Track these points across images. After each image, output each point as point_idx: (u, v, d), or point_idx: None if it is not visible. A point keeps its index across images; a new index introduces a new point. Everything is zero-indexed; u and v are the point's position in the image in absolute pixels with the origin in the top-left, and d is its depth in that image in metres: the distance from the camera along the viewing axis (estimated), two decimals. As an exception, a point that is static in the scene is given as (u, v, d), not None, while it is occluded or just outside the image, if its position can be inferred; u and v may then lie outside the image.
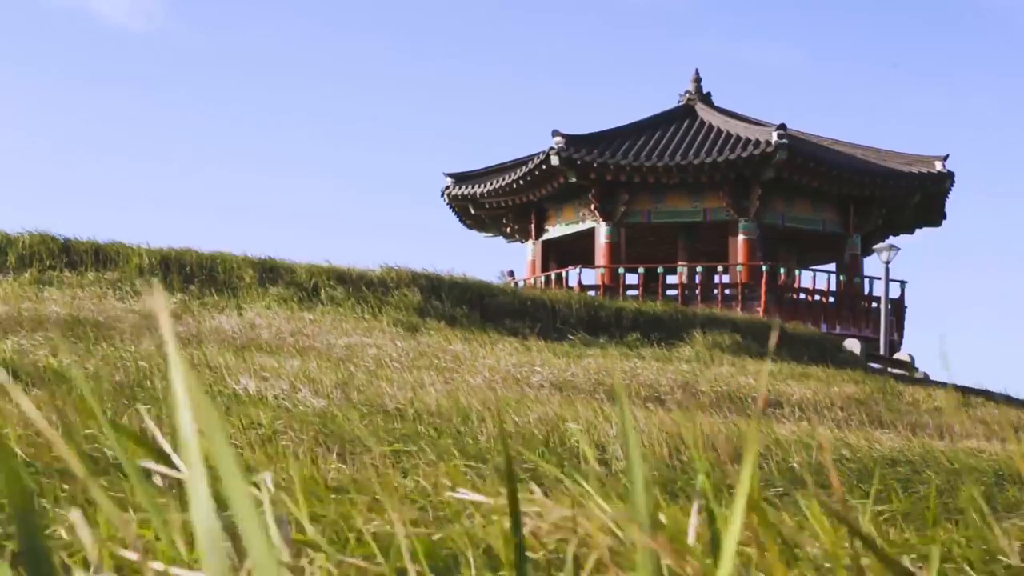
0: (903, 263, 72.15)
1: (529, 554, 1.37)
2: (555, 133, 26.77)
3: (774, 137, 25.48)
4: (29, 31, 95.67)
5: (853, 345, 22.09)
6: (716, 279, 28.87)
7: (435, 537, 1.60)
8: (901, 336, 28.75)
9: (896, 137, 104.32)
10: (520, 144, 72.52)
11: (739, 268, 27.00)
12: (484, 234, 32.86)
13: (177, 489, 1.07)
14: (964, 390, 16.35)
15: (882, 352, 24.33)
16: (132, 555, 1.23)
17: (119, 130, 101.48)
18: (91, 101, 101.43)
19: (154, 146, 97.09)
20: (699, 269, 28.46)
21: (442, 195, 30.67)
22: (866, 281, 28.64)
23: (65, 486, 2.24)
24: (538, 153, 27.49)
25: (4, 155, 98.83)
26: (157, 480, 1.07)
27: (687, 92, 30.30)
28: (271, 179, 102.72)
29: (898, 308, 28.41)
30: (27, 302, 14.18)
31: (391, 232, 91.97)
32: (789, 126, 26.26)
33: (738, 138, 26.72)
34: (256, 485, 1.40)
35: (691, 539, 1.18)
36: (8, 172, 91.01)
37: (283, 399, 6.37)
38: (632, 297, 25.31)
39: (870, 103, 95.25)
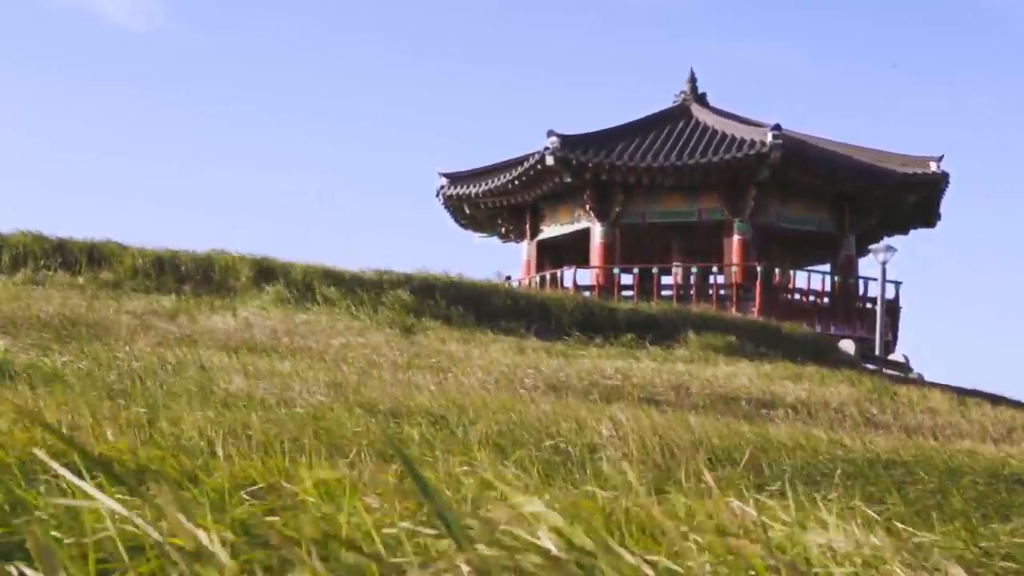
0: (898, 264, 72.19)
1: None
2: (550, 133, 26.72)
3: (769, 137, 25.47)
4: (29, 31, 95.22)
5: (848, 346, 22.09)
6: (711, 279, 28.87)
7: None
8: (896, 337, 28.76)
9: (896, 137, 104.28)
10: (517, 144, 72.45)
11: (734, 268, 26.99)
12: (479, 234, 32.79)
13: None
14: (959, 391, 16.37)
15: (877, 353, 24.32)
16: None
17: (119, 130, 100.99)
18: (91, 101, 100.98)
19: (154, 146, 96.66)
20: (694, 269, 28.48)
21: (437, 195, 30.60)
22: (861, 282, 28.65)
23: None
24: (533, 153, 27.45)
25: (3, 155, 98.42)
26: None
27: (682, 92, 30.26)
28: (271, 179, 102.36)
29: (893, 309, 28.41)
30: (20, 302, 14.15)
31: (387, 232, 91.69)
32: (788, 126, 26.26)
33: (733, 138, 26.70)
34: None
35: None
36: (8, 172, 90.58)
37: (276, 399, 6.35)
38: (627, 298, 25.30)
39: (870, 103, 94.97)
